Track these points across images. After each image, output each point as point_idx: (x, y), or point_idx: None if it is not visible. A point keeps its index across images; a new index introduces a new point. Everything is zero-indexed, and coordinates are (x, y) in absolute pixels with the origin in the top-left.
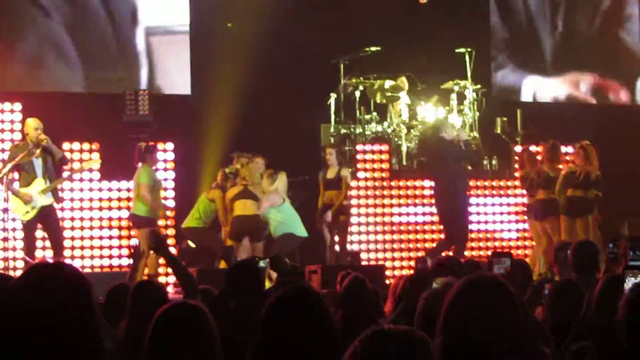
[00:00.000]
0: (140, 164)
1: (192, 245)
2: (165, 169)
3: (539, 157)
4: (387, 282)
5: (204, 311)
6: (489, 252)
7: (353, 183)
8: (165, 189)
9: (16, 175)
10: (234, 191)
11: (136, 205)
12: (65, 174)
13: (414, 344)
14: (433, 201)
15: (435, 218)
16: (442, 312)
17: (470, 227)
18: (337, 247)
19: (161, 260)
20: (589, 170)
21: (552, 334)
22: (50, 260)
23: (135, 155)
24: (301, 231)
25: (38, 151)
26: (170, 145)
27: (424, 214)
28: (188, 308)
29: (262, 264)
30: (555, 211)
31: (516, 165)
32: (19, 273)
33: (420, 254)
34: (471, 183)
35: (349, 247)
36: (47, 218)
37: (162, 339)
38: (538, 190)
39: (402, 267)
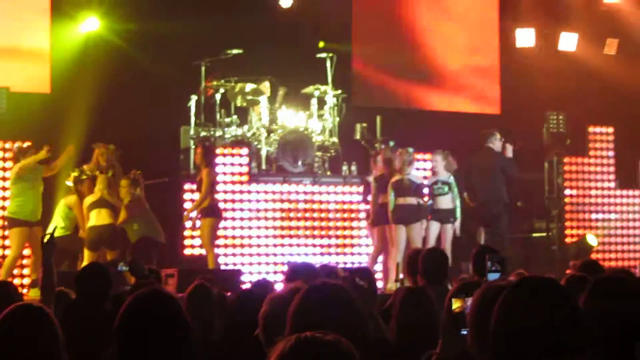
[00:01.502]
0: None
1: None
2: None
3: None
4: (242, 286)
5: (46, 312)
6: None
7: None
8: None
9: None
10: (90, 199)
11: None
12: None
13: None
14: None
15: (293, 223)
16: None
17: None
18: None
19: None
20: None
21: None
22: None
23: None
24: (159, 235)
25: None
26: (27, 144)
27: (282, 218)
28: (29, 310)
29: (121, 267)
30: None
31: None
32: None
33: (278, 258)
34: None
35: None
36: None
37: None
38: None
39: (259, 272)
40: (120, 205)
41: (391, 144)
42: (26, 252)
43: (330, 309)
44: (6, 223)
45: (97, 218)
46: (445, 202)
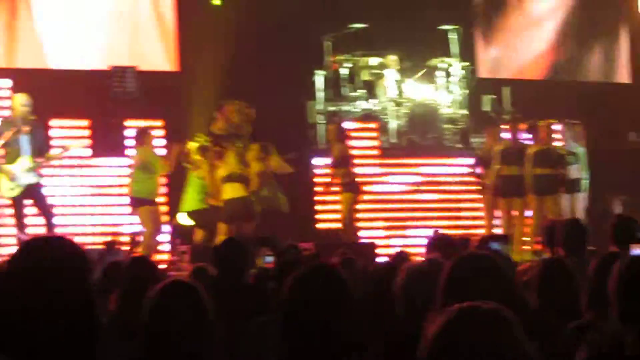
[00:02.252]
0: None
1: (184, 223)
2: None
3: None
4: (377, 259)
5: (198, 288)
6: None
7: None
8: None
9: (1, 151)
10: (223, 172)
11: (132, 186)
12: (54, 151)
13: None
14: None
15: (427, 196)
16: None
17: None
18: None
19: None
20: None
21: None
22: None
23: (133, 138)
24: (283, 205)
25: (26, 128)
26: (159, 123)
27: (414, 191)
28: (183, 285)
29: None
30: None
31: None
32: (9, 250)
33: (409, 231)
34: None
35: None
36: (34, 195)
37: (158, 314)
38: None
39: (390, 246)
40: (250, 175)
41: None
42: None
43: (482, 278)
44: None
45: (232, 191)
46: (573, 172)
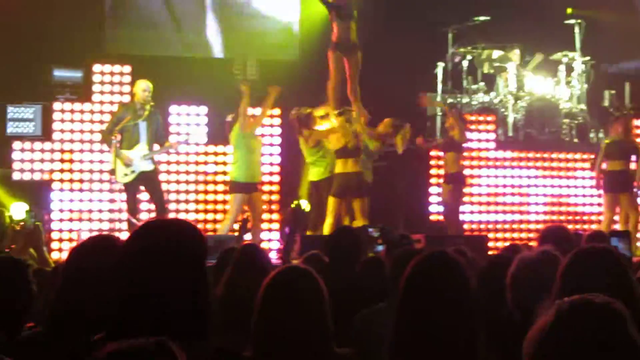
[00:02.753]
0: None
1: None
2: (272, 135)
3: None
4: (490, 253)
5: (314, 275)
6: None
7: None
8: (272, 155)
9: (119, 137)
10: (337, 145)
11: (231, 170)
12: (174, 139)
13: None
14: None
15: (540, 190)
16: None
17: None
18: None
19: None
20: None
21: None
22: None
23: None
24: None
25: (145, 113)
26: (277, 111)
27: (528, 185)
28: (300, 271)
29: (372, 232)
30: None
31: None
32: (124, 235)
33: (524, 226)
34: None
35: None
36: (149, 182)
37: (272, 300)
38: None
39: (504, 239)
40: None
41: None
42: None
43: (601, 273)
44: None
45: (345, 166)
46: None
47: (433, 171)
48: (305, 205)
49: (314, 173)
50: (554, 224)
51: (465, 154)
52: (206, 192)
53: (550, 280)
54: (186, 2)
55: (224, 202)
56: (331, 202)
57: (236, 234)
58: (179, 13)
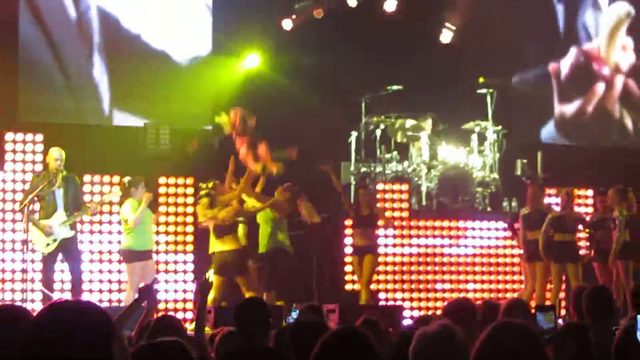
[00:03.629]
0: (126, 199)
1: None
2: (185, 204)
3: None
4: (404, 322)
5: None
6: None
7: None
8: (185, 224)
9: (37, 206)
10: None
11: (125, 239)
12: (90, 205)
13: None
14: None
15: (454, 259)
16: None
17: None
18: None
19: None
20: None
21: None
22: (71, 299)
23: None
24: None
25: (59, 181)
26: (189, 180)
27: (442, 254)
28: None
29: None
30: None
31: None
32: (36, 305)
33: (439, 295)
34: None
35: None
36: (68, 250)
37: None
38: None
39: (420, 308)
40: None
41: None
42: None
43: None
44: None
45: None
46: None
47: (347, 240)
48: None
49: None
50: (459, 298)
51: (380, 223)
52: (120, 261)
53: (449, 355)
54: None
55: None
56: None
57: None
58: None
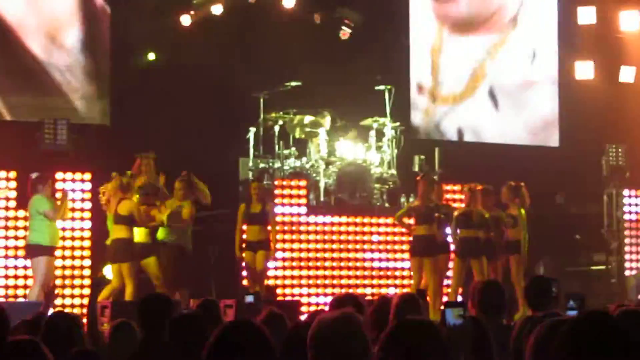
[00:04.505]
0: (34, 195)
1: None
2: (83, 199)
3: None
4: (302, 317)
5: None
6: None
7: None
8: (83, 219)
9: None
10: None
11: (34, 234)
12: None
13: None
14: (349, 238)
15: (351, 254)
16: None
17: None
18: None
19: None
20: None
21: None
22: None
23: (28, 186)
24: None
25: None
26: (87, 176)
27: (340, 250)
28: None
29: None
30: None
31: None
32: None
33: (336, 290)
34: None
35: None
36: None
37: None
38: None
39: (317, 304)
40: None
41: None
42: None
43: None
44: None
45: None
46: (511, 234)
47: (245, 236)
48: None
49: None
50: (347, 292)
51: (278, 219)
52: (16, 257)
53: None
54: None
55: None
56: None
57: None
58: None
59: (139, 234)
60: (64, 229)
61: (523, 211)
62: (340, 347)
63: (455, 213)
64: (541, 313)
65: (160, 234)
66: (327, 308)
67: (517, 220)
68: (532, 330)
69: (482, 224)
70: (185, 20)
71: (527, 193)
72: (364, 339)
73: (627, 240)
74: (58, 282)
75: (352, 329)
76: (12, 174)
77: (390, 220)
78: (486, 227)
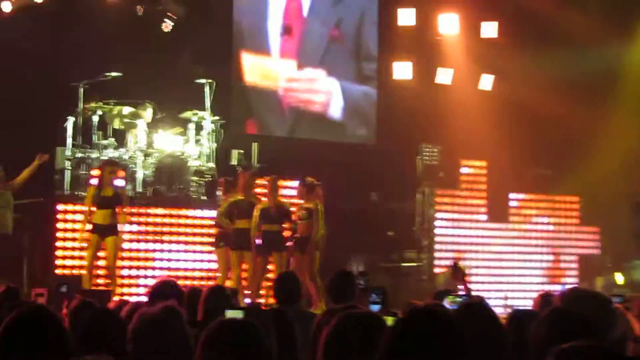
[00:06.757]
0: None
1: None
2: None
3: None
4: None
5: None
6: None
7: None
8: None
9: None
10: None
11: None
12: None
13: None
14: (164, 229)
15: (165, 246)
16: None
17: None
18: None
19: None
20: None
21: None
22: None
23: None
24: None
25: None
26: None
27: (154, 241)
28: None
29: None
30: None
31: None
32: None
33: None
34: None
35: None
36: None
37: None
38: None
39: (130, 294)
40: None
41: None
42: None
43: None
44: None
45: None
46: (306, 228)
47: (59, 225)
48: None
49: None
50: (163, 278)
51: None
52: None
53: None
54: None
55: None
56: None
57: None
58: None
59: None
60: None
61: (320, 206)
62: (160, 341)
63: (259, 206)
64: (341, 305)
65: None
66: (139, 298)
67: (312, 214)
68: (329, 321)
69: (280, 217)
70: (6, 6)
71: (322, 190)
72: (185, 334)
73: (437, 239)
74: None
75: (173, 324)
76: None
77: (207, 213)
78: (283, 221)
